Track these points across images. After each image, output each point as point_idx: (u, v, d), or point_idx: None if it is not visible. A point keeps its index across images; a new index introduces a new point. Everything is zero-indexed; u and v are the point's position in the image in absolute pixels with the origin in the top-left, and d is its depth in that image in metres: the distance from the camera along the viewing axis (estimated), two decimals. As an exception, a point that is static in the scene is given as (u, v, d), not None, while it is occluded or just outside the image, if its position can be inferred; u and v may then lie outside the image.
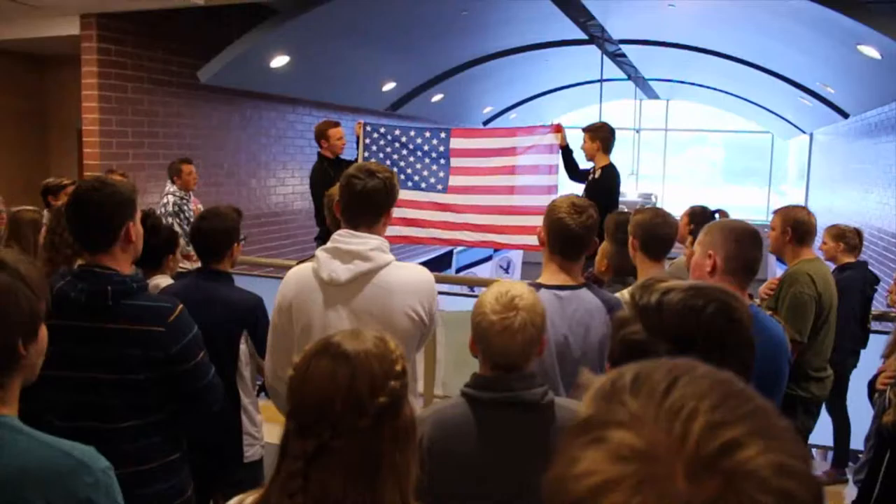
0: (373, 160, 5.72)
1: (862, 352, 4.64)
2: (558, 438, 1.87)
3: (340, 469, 1.24)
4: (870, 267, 4.89)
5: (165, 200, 6.61)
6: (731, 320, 1.29)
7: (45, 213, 5.15)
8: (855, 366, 4.61)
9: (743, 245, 2.34)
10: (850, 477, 4.63)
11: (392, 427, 1.27)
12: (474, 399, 1.89)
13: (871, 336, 4.70)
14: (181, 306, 2.18)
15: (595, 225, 2.61)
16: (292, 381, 1.31)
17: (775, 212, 3.99)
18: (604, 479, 0.52)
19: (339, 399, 1.25)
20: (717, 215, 4.62)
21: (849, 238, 4.72)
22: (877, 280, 4.82)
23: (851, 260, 4.70)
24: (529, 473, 1.77)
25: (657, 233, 3.06)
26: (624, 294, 2.71)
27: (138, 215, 2.25)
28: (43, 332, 1.50)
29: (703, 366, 0.59)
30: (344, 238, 2.39)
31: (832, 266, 4.54)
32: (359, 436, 1.24)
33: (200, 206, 6.65)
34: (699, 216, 4.64)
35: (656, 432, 0.52)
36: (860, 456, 4.83)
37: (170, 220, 6.33)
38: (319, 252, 2.41)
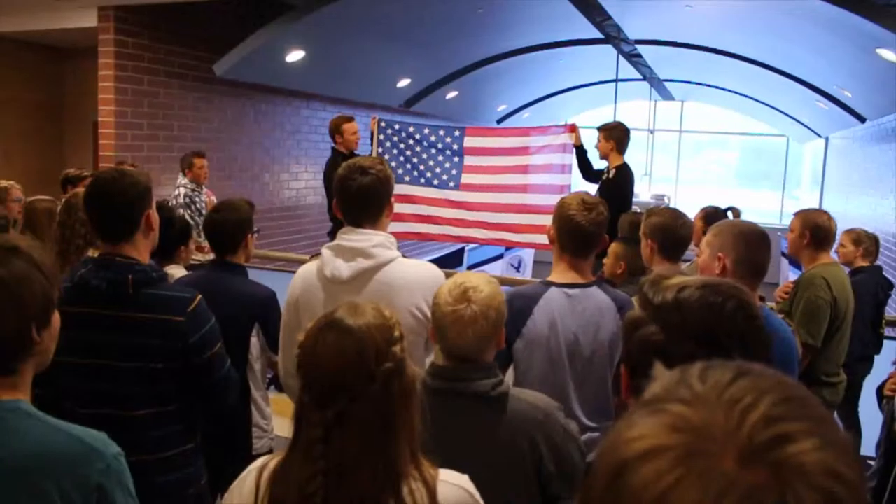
0: (386, 156, 5.73)
1: (875, 357, 4.60)
2: (509, 430, 1.84)
3: (358, 432, 1.33)
4: (884, 272, 4.85)
5: (177, 192, 6.68)
6: (751, 317, 1.26)
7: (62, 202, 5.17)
8: (868, 372, 4.58)
9: (753, 248, 2.31)
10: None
11: (400, 385, 1.38)
12: (426, 386, 1.91)
13: (885, 342, 4.66)
14: (200, 297, 2.18)
15: (605, 222, 2.58)
16: (302, 357, 1.39)
17: (796, 214, 3.93)
18: (653, 445, 0.52)
19: (350, 371, 1.34)
20: (729, 213, 4.57)
21: (867, 243, 4.69)
22: (891, 286, 4.77)
23: (866, 264, 4.67)
24: (478, 462, 1.77)
25: (676, 234, 3.01)
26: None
27: (154, 203, 2.25)
28: (56, 318, 1.50)
29: (773, 370, 0.60)
30: (347, 235, 2.37)
31: (846, 270, 4.50)
32: (372, 399, 1.34)
33: (214, 199, 6.68)
34: (713, 218, 4.60)
35: (715, 414, 0.53)
36: (870, 463, 4.81)
37: (181, 211, 6.37)
38: (324, 250, 2.40)
